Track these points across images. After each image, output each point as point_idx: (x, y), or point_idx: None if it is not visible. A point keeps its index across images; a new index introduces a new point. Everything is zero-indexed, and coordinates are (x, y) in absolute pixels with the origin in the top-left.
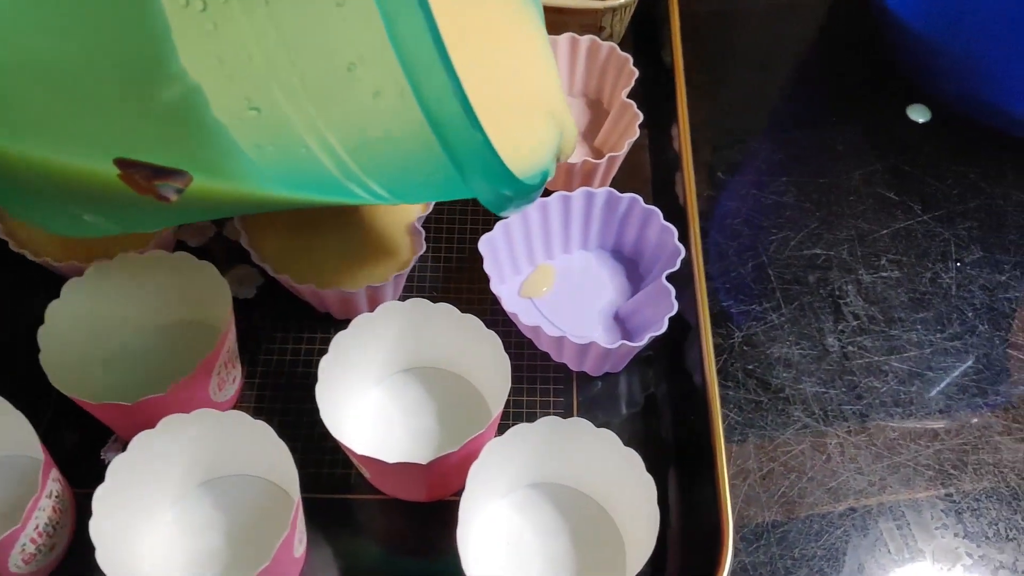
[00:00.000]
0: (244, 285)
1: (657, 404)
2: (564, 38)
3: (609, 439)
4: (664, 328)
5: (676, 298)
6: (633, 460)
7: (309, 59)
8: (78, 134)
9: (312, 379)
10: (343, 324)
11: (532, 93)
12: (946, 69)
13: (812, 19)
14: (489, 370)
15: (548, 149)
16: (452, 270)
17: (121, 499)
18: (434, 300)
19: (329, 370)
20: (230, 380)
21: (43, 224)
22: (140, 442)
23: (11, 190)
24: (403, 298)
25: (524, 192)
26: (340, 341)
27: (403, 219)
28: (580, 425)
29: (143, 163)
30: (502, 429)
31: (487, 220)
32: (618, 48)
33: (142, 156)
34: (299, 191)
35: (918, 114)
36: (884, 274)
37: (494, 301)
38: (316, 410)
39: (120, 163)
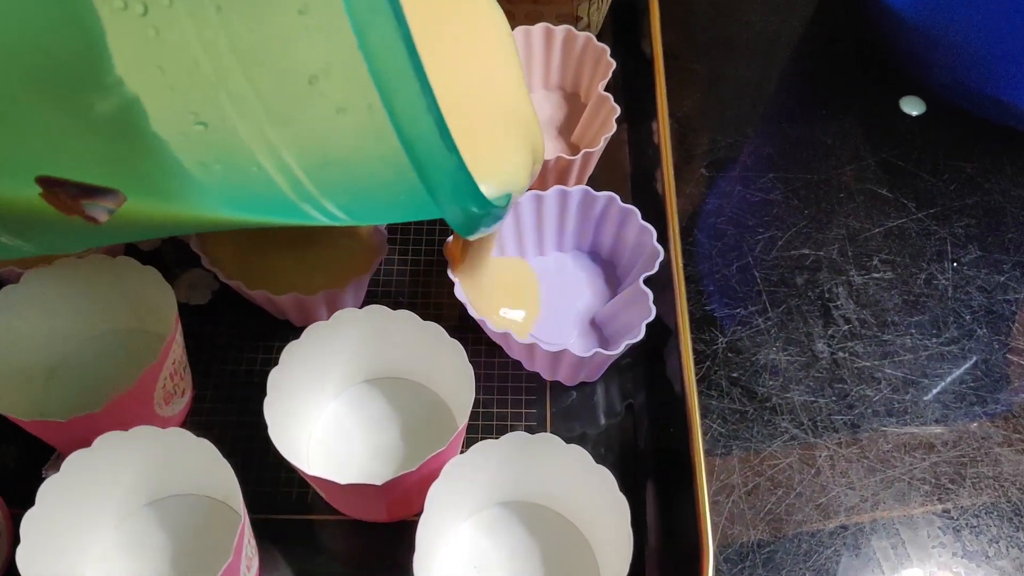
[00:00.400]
0: (197, 290)
1: (635, 415)
2: (538, 28)
3: (580, 456)
4: (641, 335)
5: (655, 302)
6: (605, 478)
7: (265, 70)
8: None
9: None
10: (301, 332)
11: (504, 109)
12: (941, 59)
13: (802, 7)
14: (453, 381)
15: (522, 169)
16: (419, 274)
17: (54, 523)
18: (399, 306)
19: (280, 383)
20: (178, 393)
21: None
22: (74, 461)
23: None
24: (366, 305)
25: (496, 215)
26: (292, 351)
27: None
28: (549, 441)
29: (69, 182)
30: (469, 444)
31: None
32: (595, 39)
33: (69, 174)
34: (247, 213)
35: (911, 106)
36: (876, 275)
37: (463, 307)
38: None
39: (43, 182)
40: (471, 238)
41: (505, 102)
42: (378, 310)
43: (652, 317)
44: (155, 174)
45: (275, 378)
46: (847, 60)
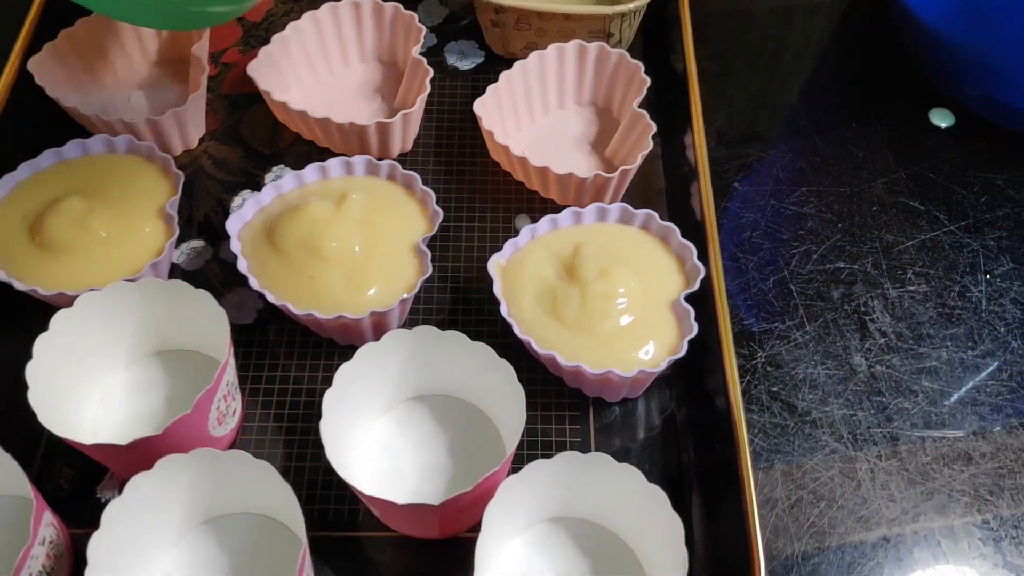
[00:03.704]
0: (243, 310)
1: (677, 430)
2: (572, 45)
3: (633, 475)
4: (684, 351)
5: (696, 319)
6: (659, 498)
7: None
8: None
9: (316, 408)
10: (347, 349)
11: None
12: (970, 72)
13: (828, 19)
14: (502, 400)
15: None
16: (460, 291)
17: (117, 545)
18: (442, 325)
19: (333, 405)
20: (230, 413)
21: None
22: (135, 485)
23: None
24: (409, 323)
25: None
26: (344, 373)
27: (407, 240)
28: (601, 460)
29: None
30: (516, 459)
31: (495, 240)
32: (628, 55)
33: None
34: None
35: (941, 118)
36: (911, 288)
37: (505, 324)
38: (321, 443)
39: None
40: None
41: None
42: (427, 331)
43: (695, 333)
44: None
45: (329, 399)
46: (876, 73)
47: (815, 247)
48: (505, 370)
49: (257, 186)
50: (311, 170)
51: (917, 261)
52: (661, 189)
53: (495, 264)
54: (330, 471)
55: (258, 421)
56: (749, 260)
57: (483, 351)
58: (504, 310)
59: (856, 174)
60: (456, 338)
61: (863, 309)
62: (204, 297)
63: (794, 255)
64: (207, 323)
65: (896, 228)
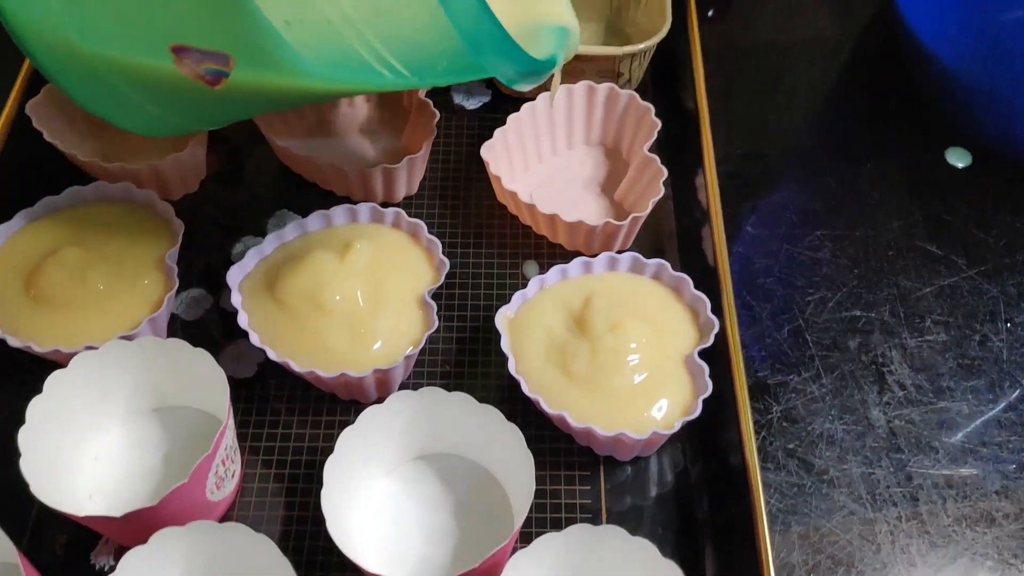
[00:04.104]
0: (243, 363)
1: (691, 487)
2: (581, 86)
3: (646, 549)
4: (698, 412)
5: (710, 375)
6: (674, 573)
7: None
8: (141, 24)
9: (317, 468)
10: (350, 404)
11: None
12: (986, 109)
13: (840, 55)
14: (511, 464)
15: (550, 36)
16: (466, 343)
17: None
18: (448, 379)
19: (335, 471)
20: (229, 476)
21: (110, 116)
22: (131, 559)
23: (81, 80)
24: (415, 376)
25: (529, 65)
26: (346, 439)
27: (412, 292)
28: (614, 533)
29: (193, 48)
30: (524, 521)
31: (502, 288)
32: (638, 96)
33: (193, 42)
34: (329, 71)
35: (957, 158)
36: (930, 337)
37: (513, 379)
38: (321, 508)
39: (175, 49)
40: (515, 88)
41: None
42: (433, 392)
43: (709, 392)
44: (253, 35)
45: (331, 466)
46: (890, 110)
47: (831, 294)
48: (513, 435)
49: (260, 231)
50: (315, 218)
51: (935, 308)
52: (672, 232)
53: (503, 318)
54: (331, 539)
55: (258, 482)
56: (763, 308)
57: (491, 414)
58: (512, 367)
59: (871, 216)
60: (462, 400)
61: (881, 360)
62: (203, 357)
63: (809, 303)
64: (206, 382)
65: (913, 274)
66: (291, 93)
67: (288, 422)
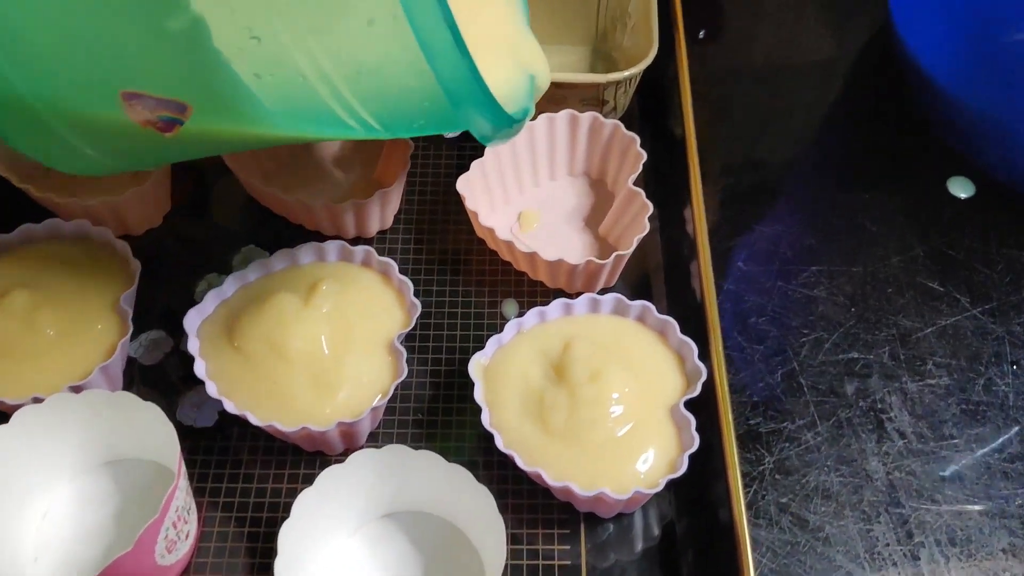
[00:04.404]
0: (203, 411)
1: (678, 547)
2: (563, 115)
3: None
4: (684, 469)
5: (697, 428)
6: None
7: None
8: (88, 68)
9: (279, 525)
10: (315, 456)
11: (500, 36)
12: (990, 136)
13: (834, 79)
14: (482, 526)
15: (522, 88)
16: (440, 389)
17: None
18: (420, 427)
19: (291, 537)
20: (182, 538)
21: (42, 157)
22: None
23: (15, 122)
24: (384, 430)
25: (507, 122)
26: (303, 503)
27: (381, 337)
28: None
29: (147, 95)
30: None
31: (479, 328)
32: (622, 127)
33: (147, 88)
34: (295, 124)
35: (960, 188)
36: (931, 381)
37: (489, 435)
38: None
39: (127, 96)
40: (488, 145)
41: (500, 32)
42: (398, 450)
43: (696, 447)
44: (217, 86)
45: (286, 533)
46: (889, 138)
47: (826, 335)
48: (484, 498)
49: (225, 268)
50: (279, 257)
51: (937, 350)
52: (660, 266)
53: (476, 365)
54: None
55: (215, 541)
56: (755, 350)
57: (460, 474)
58: (486, 419)
59: (869, 251)
60: (430, 459)
61: (880, 406)
62: (153, 412)
63: (804, 344)
64: (159, 435)
65: (914, 313)
66: (249, 140)
67: (249, 475)
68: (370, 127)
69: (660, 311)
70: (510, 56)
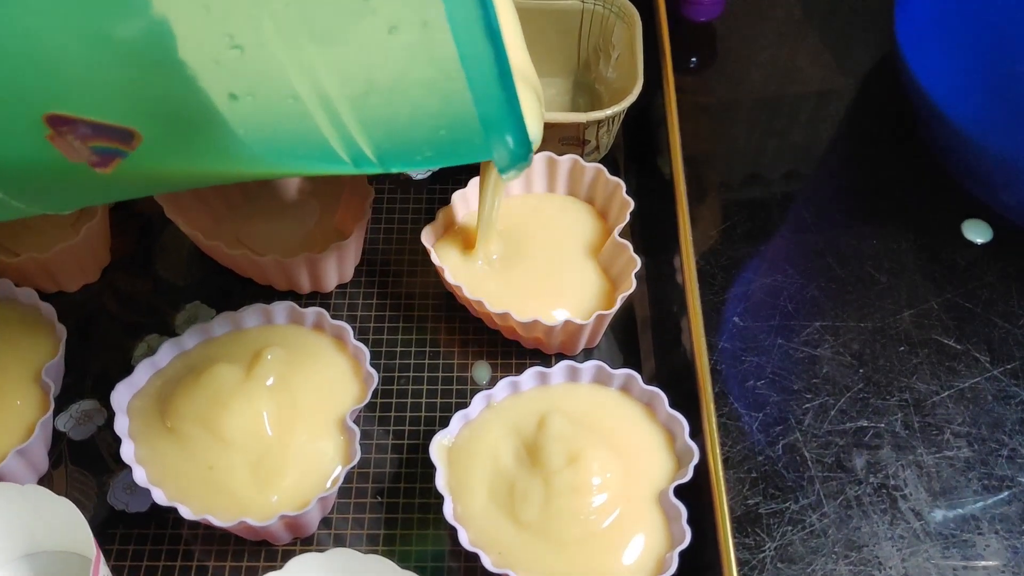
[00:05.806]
0: (138, 495)
1: None
2: (540, 158)
3: None
4: (673, 568)
5: (688, 520)
6: None
7: None
8: (6, 85)
9: None
10: (259, 547)
11: (520, 68)
12: (1007, 176)
13: (836, 113)
14: None
15: (536, 112)
16: (400, 472)
17: None
18: (379, 513)
19: None
20: None
21: None
22: None
23: None
24: (338, 515)
25: (530, 148)
26: None
27: (332, 414)
28: None
29: (82, 120)
30: None
31: (447, 396)
32: (606, 171)
33: (82, 112)
34: (272, 157)
35: (976, 232)
36: (949, 453)
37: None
38: None
39: (52, 120)
40: (505, 178)
41: (517, 57)
42: (344, 554)
43: (687, 543)
44: (177, 110)
45: None
46: (897, 179)
47: (832, 400)
48: None
49: (167, 328)
50: (220, 321)
51: (955, 417)
52: (647, 322)
53: (439, 447)
54: None
55: None
56: (753, 419)
57: None
58: (448, 511)
59: (879, 304)
60: (379, 565)
61: (892, 483)
62: (66, 508)
63: (807, 411)
64: (76, 529)
65: (929, 374)
66: (205, 177)
67: (186, 568)
68: (364, 160)
69: (648, 372)
70: (522, 78)
